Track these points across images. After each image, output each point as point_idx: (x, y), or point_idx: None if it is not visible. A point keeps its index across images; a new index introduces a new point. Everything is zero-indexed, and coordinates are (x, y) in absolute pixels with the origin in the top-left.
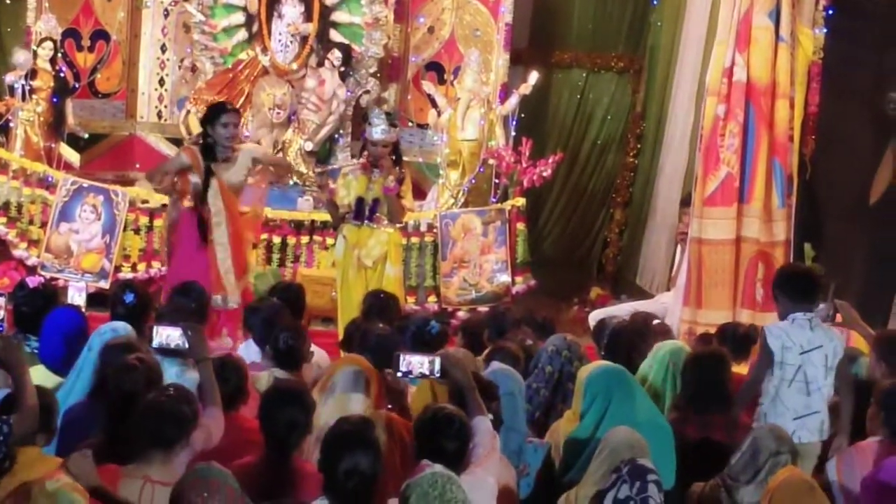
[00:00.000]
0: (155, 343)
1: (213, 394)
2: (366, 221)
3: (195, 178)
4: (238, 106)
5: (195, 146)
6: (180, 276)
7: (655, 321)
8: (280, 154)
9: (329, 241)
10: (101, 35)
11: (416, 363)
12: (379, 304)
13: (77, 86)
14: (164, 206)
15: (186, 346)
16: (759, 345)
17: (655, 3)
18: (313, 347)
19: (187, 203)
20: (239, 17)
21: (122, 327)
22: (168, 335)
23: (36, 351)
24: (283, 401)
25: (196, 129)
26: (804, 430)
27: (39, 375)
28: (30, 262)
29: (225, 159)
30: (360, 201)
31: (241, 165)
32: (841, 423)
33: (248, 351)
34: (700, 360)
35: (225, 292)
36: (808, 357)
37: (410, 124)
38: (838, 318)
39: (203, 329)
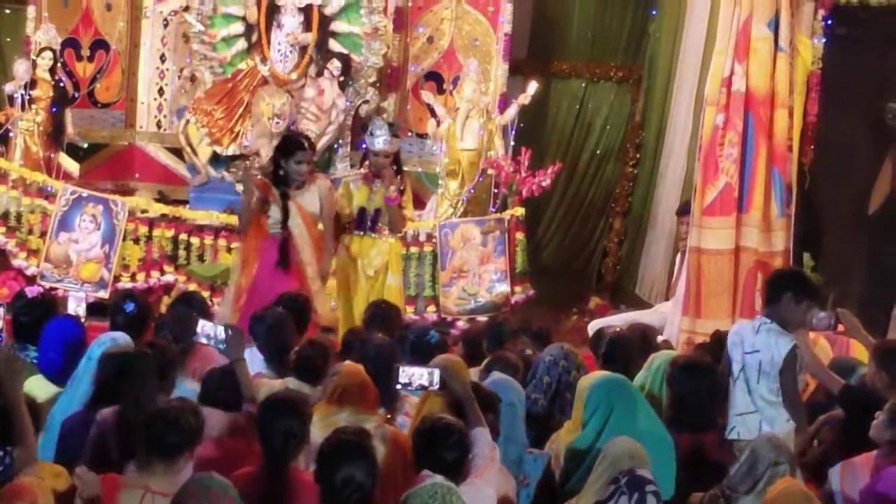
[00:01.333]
0: (198, 334)
1: (249, 390)
2: (367, 231)
3: (273, 207)
4: (237, 116)
5: (265, 176)
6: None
7: (659, 338)
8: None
9: None
10: (100, 45)
11: (415, 375)
12: (380, 314)
13: (76, 95)
14: (164, 215)
15: (223, 346)
16: None
17: (654, 13)
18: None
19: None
20: (238, 28)
21: (122, 337)
22: (211, 330)
23: (35, 361)
24: (278, 411)
25: (196, 139)
26: (743, 427)
27: (38, 385)
28: (29, 272)
29: (297, 186)
30: (362, 211)
31: (313, 196)
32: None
33: (253, 360)
34: (681, 370)
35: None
36: (748, 358)
37: (410, 134)
38: (840, 327)
39: (242, 335)
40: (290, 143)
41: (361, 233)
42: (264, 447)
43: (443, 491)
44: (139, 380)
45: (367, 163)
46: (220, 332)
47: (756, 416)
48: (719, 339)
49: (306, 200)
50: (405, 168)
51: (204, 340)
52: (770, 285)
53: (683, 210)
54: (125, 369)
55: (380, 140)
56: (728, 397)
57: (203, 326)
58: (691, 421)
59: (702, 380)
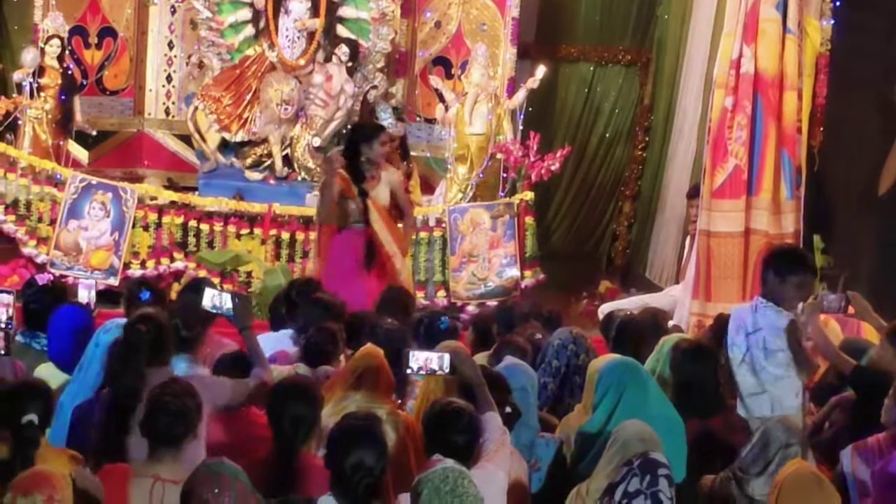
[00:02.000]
0: (205, 303)
1: (258, 356)
2: None
3: (352, 204)
4: (246, 102)
5: (343, 169)
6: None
7: (670, 323)
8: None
9: None
10: (108, 32)
11: (425, 360)
12: (393, 299)
13: (85, 83)
14: (173, 202)
15: (232, 313)
16: None
17: None
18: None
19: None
20: (246, 14)
21: None
22: (218, 299)
23: (45, 348)
24: (289, 396)
25: (204, 125)
26: (755, 405)
27: (48, 373)
28: (39, 260)
29: (371, 177)
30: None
31: (384, 187)
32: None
33: (268, 340)
34: (684, 356)
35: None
36: (751, 339)
37: (418, 119)
38: (851, 309)
39: (249, 303)
40: (370, 129)
41: None
42: (275, 432)
43: (454, 475)
44: (129, 355)
45: None
46: (227, 300)
47: (766, 396)
48: (723, 322)
49: (379, 195)
50: (414, 153)
51: (212, 309)
52: (761, 266)
53: (693, 193)
54: (122, 348)
55: (385, 125)
56: (733, 381)
57: (211, 295)
58: (697, 406)
59: (705, 364)
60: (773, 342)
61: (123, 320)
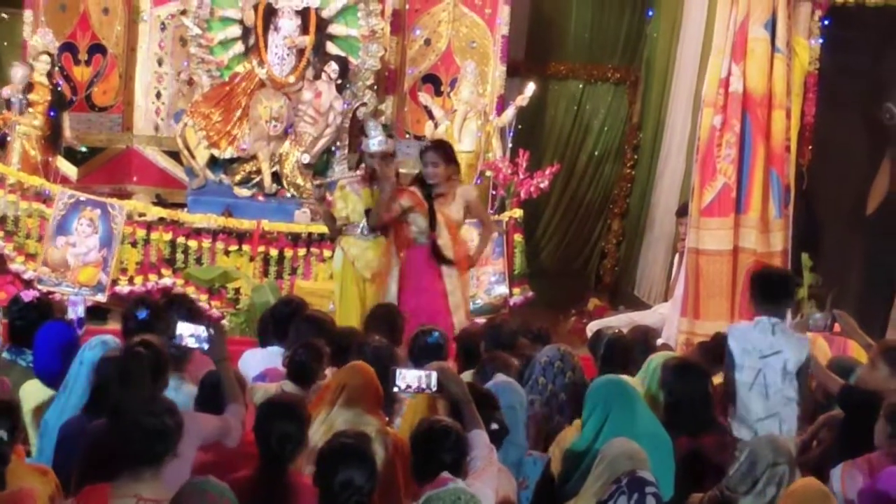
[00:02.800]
0: (178, 337)
1: (233, 391)
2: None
3: (420, 219)
4: (235, 119)
5: (413, 186)
6: (416, 314)
7: (659, 342)
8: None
9: (326, 253)
10: (97, 49)
11: (412, 378)
12: (383, 316)
13: (74, 99)
14: (162, 219)
15: (206, 345)
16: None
17: (651, 14)
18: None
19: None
20: (235, 31)
21: (112, 340)
22: (192, 330)
23: (31, 365)
24: (276, 414)
25: (193, 142)
26: (764, 431)
27: (35, 389)
28: (27, 276)
29: (442, 194)
30: (368, 213)
31: (458, 203)
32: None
33: (257, 357)
34: (673, 374)
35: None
36: (767, 362)
37: (407, 136)
38: (836, 327)
39: (223, 333)
40: (423, 146)
41: (375, 235)
42: (262, 450)
43: (466, 497)
44: (134, 382)
45: (363, 165)
46: (202, 331)
47: (776, 419)
48: (721, 340)
49: (452, 212)
50: (403, 170)
51: (188, 343)
52: (778, 288)
53: (682, 211)
54: (121, 372)
55: (374, 142)
56: (736, 402)
57: (182, 327)
58: (687, 424)
59: (694, 382)
60: (794, 366)
61: (108, 337)
